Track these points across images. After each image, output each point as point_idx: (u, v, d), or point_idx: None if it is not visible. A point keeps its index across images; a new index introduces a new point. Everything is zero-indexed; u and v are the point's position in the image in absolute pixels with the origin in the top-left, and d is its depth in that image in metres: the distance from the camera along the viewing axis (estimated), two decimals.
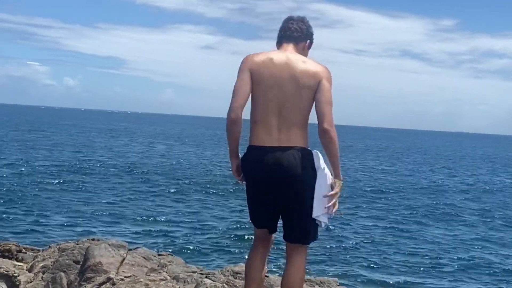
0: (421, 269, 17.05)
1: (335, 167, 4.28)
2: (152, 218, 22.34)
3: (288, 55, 4.32)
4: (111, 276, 7.91)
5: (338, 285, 8.71)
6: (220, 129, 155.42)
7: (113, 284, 7.68)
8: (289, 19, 4.46)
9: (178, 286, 7.64)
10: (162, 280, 7.71)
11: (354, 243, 19.69)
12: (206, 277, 7.99)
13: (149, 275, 8.21)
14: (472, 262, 18.34)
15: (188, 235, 19.80)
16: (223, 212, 24.60)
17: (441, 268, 17.41)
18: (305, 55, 4.47)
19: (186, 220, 22.48)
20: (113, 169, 37.99)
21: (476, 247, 20.59)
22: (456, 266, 17.67)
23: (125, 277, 7.95)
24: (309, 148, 4.33)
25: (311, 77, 4.20)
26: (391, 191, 34.89)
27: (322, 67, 4.33)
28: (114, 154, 50.14)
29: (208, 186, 32.23)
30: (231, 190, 30.20)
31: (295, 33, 4.40)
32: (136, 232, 19.70)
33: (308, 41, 4.56)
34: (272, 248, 4.94)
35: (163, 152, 56.86)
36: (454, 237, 22.35)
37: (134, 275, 8.14)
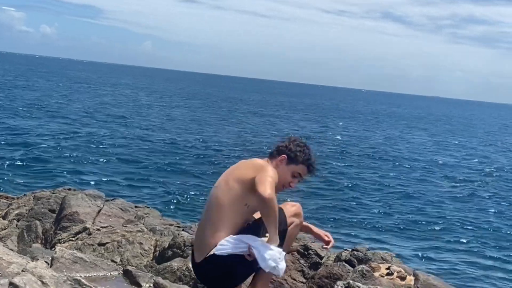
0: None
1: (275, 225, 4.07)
2: (131, 170, 22.31)
3: None
4: (87, 226, 7.88)
5: (313, 242, 8.77)
6: (201, 85, 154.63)
7: (89, 234, 7.65)
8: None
9: (154, 238, 7.63)
10: (138, 231, 7.69)
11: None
12: (183, 230, 7.99)
13: (125, 226, 8.19)
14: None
15: (167, 189, 19.81)
16: (202, 169, 24.64)
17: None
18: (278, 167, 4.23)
19: (165, 174, 22.46)
20: (93, 120, 37.76)
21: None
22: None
23: (101, 227, 7.93)
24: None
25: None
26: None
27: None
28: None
29: (188, 146, 32.18)
30: (211, 153, 30.22)
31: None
32: (114, 183, 19.65)
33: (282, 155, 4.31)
34: None
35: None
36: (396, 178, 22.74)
37: (110, 226, 8.12)
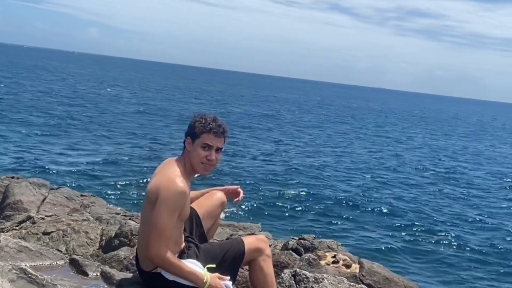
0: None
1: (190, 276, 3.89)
2: (77, 158, 21.95)
3: None
4: (32, 214, 7.73)
5: (260, 231, 8.85)
6: (148, 72, 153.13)
7: (34, 222, 7.51)
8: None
9: (101, 227, 7.55)
10: (84, 220, 7.59)
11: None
12: (129, 219, 7.92)
13: (71, 215, 8.07)
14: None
15: (112, 177, 19.59)
16: (150, 156, 24.45)
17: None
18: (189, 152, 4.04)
19: (111, 162, 22.20)
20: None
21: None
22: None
23: (46, 216, 7.79)
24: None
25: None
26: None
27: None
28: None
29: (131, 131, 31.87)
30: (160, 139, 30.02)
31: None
32: (58, 172, 19.30)
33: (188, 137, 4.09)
34: None
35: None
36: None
37: (55, 215, 7.99)
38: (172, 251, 3.87)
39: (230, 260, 3.99)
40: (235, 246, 4.05)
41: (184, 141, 4.04)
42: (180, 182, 3.79)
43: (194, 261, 4.02)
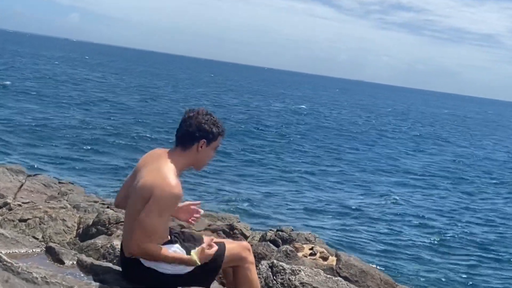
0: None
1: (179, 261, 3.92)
2: (55, 144, 21.78)
3: None
4: (8, 201, 7.66)
5: (239, 221, 8.88)
6: (128, 61, 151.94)
7: (10, 209, 7.45)
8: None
9: (78, 215, 7.52)
10: (62, 208, 7.55)
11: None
12: (108, 207, 7.90)
13: (48, 202, 8.03)
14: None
15: (90, 165, 19.47)
16: (130, 143, 24.35)
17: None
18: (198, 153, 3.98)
19: (88, 150, 22.06)
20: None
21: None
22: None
23: (23, 203, 7.73)
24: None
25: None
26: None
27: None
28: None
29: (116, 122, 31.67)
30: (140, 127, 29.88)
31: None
32: (36, 158, 19.13)
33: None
34: None
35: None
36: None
37: (32, 202, 7.93)
38: (157, 243, 3.83)
39: (210, 261, 3.95)
40: (218, 248, 4.02)
41: (190, 138, 3.92)
42: (177, 185, 3.72)
43: (179, 246, 4.04)
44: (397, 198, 21.14)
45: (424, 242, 16.12)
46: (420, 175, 27.74)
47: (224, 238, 7.25)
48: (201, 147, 3.92)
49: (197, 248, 3.89)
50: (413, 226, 17.75)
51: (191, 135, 3.91)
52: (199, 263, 3.82)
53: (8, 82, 40.83)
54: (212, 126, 3.93)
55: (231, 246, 4.12)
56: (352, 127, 47.26)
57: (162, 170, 3.78)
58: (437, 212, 20.11)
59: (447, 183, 26.40)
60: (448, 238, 16.80)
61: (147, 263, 3.84)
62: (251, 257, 4.16)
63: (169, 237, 3.97)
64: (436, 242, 16.26)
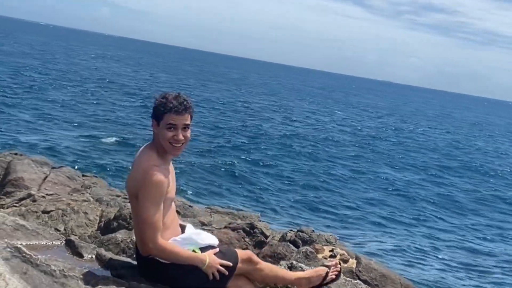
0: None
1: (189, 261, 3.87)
2: (81, 138, 21.99)
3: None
4: (32, 192, 7.73)
5: (260, 220, 8.86)
6: (159, 55, 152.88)
7: (34, 200, 7.51)
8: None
9: (100, 208, 7.56)
10: (84, 201, 7.60)
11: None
12: (129, 202, 7.93)
13: (71, 194, 8.08)
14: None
15: (114, 158, 19.62)
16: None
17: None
18: (157, 135, 3.92)
19: (114, 143, 22.23)
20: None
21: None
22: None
23: (46, 194, 7.79)
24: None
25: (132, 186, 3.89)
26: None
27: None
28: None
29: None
30: None
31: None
32: (61, 151, 19.33)
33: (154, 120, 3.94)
34: None
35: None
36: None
37: (56, 194, 7.99)
38: (167, 238, 3.87)
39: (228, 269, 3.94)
40: (231, 254, 4.01)
41: (152, 124, 3.93)
42: (154, 172, 3.72)
43: (198, 231, 4.12)
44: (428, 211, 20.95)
45: (453, 254, 15.77)
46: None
47: (243, 236, 7.24)
48: (154, 127, 3.89)
49: (210, 251, 3.91)
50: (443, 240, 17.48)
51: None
52: (208, 263, 3.82)
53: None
54: (159, 104, 3.86)
55: (241, 252, 4.09)
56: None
57: (140, 163, 3.83)
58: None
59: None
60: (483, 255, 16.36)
61: (163, 260, 3.86)
62: (255, 258, 4.11)
63: (180, 230, 4.01)
64: (470, 257, 15.86)
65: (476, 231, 18.65)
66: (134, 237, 5.14)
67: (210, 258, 3.86)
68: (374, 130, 45.07)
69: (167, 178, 3.82)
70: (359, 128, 44.45)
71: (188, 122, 3.89)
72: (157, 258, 3.84)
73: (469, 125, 75.00)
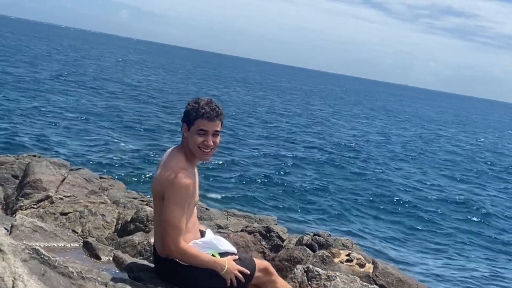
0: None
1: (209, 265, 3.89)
2: (100, 141, 22.11)
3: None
4: (50, 194, 7.80)
5: (276, 224, 8.84)
6: (180, 58, 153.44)
7: (52, 202, 7.58)
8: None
9: (117, 211, 7.59)
10: (102, 203, 7.65)
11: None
12: (146, 204, 7.97)
13: (89, 196, 8.13)
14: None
15: (132, 161, 19.70)
16: (170, 145, 24.55)
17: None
18: (187, 139, 3.94)
19: (132, 147, 22.33)
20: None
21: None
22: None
23: (64, 196, 7.86)
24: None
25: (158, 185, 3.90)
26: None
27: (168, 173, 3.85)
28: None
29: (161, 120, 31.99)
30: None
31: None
32: (79, 153, 19.46)
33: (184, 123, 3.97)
34: None
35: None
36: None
37: (73, 196, 8.06)
38: (188, 240, 3.89)
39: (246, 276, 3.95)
40: (249, 262, 4.01)
41: (182, 128, 3.96)
42: (183, 175, 3.76)
43: (218, 237, 4.14)
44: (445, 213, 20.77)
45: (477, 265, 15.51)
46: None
47: (260, 239, 7.23)
48: (185, 131, 3.92)
49: (229, 257, 3.93)
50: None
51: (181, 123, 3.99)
52: (227, 268, 3.84)
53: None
54: (191, 109, 3.88)
55: (258, 261, 4.11)
56: None
57: (169, 165, 3.84)
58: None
59: None
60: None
61: (182, 262, 3.87)
62: (271, 270, 4.12)
63: (199, 235, 4.03)
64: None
65: None
66: (152, 239, 5.16)
67: (229, 264, 3.87)
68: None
69: (193, 181, 3.85)
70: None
71: (219, 128, 3.91)
72: (176, 260, 3.86)
73: None
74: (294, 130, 35.99)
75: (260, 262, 4.11)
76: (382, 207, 19.43)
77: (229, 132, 29.16)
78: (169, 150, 4.04)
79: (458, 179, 28.59)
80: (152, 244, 4.27)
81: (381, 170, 26.46)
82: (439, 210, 20.55)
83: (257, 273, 4.01)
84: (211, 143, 3.86)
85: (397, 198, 21.06)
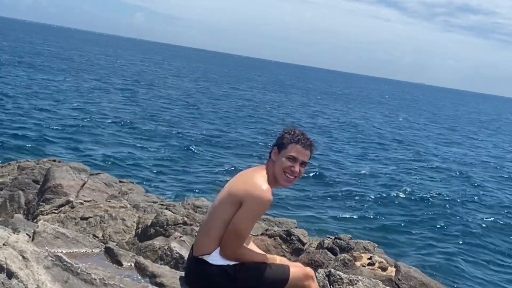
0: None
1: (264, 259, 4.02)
2: (117, 145, 22.21)
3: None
4: (71, 199, 7.83)
5: (296, 227, 8.80)
6: (196, 60, 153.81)
7: (72, 207, 7.60)
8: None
9: (137, 215, 7.60)
10: (122, 207, 7.66)
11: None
12: (166, 208, 7.96)
13: (109, 201, 8.16)
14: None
15: (151, 165, 19.75)
16: (187, 148, 24.60)
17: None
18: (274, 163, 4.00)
19: (150, 150, 22.40)
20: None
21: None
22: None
23: (84, 201, 7.89)
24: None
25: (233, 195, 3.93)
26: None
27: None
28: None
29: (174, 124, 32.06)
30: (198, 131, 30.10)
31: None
32: (99, 158, 19.54)
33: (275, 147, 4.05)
34: None
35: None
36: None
37: (94, 200, 8.08)
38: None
39: (269, 282, 3.93)
40: (279, 271, 3.99)
41: (271, 152, 4.03)
42: (268, 192, 3.83)
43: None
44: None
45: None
46: None
47: (280, 243, 7.20)
48: (274, 154, 3.98)
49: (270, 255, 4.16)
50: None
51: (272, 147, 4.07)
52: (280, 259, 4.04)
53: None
54: (286, 134, 3.98)
55: (295, 270, 4.06)
56: None
57: (253, 178, 3.90)
58: None
59: None
60: None
61: (213, 261, 3.87)
62: (314, 284, 4.08)
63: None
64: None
65: None
66: (173, 244, 5.14)
67: (279, 259, 4.06)
68: None
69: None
70: None
71: (307, 159, 3.99)
72: (206, 260, 3.86)
73: None
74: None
75: (298, 272, 4.05)
76: (404, 208, 19.26)
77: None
78: (253, 167, 4.11)
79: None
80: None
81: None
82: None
83: (302, 277, 4.01)
84: (297, 170, 3.93)
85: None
